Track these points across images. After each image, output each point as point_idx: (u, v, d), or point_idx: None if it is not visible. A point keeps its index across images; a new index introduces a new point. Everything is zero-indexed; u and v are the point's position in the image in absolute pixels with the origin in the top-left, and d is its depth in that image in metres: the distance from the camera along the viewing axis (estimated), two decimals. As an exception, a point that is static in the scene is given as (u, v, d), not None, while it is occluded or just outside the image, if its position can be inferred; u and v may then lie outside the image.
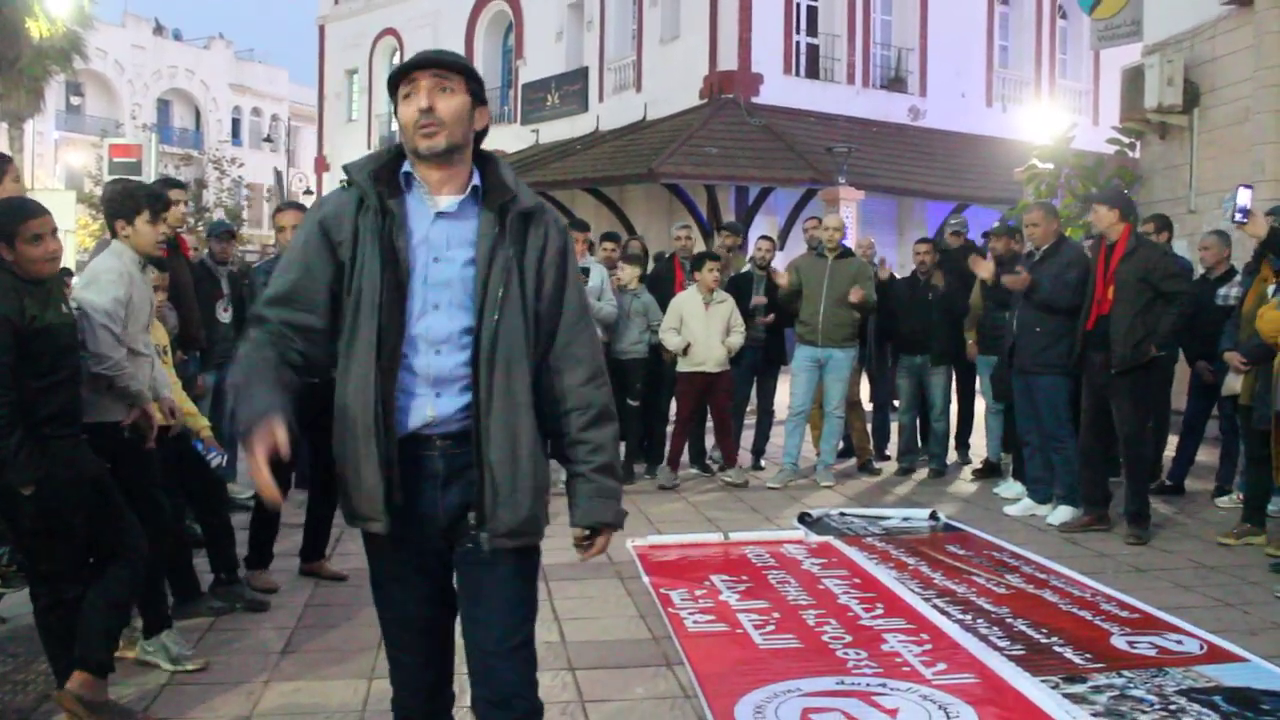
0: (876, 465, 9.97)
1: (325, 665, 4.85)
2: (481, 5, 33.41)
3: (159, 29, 52.76)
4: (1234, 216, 6.22)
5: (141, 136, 24.47)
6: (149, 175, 13.90)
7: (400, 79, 2.75)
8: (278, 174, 32.72)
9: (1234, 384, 7.05)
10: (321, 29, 39.30)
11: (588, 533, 2.86)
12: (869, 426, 10.35)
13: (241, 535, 5.99)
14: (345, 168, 2.80)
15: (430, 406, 2.74)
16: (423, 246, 2.74)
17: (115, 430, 4.67)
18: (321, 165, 38.89)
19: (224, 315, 8.15)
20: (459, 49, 33.66)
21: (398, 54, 36.80)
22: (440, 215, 2.76)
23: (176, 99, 52.78)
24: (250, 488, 8.20)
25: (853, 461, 10.11)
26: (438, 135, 2.69)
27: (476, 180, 2.79)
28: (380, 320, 2.68)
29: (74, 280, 5.66)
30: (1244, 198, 6.06)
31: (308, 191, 28.98)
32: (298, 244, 2.80)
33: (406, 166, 2.78)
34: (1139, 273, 7.02)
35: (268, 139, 49.05)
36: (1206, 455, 9.03)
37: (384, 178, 2.75)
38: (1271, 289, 6.36)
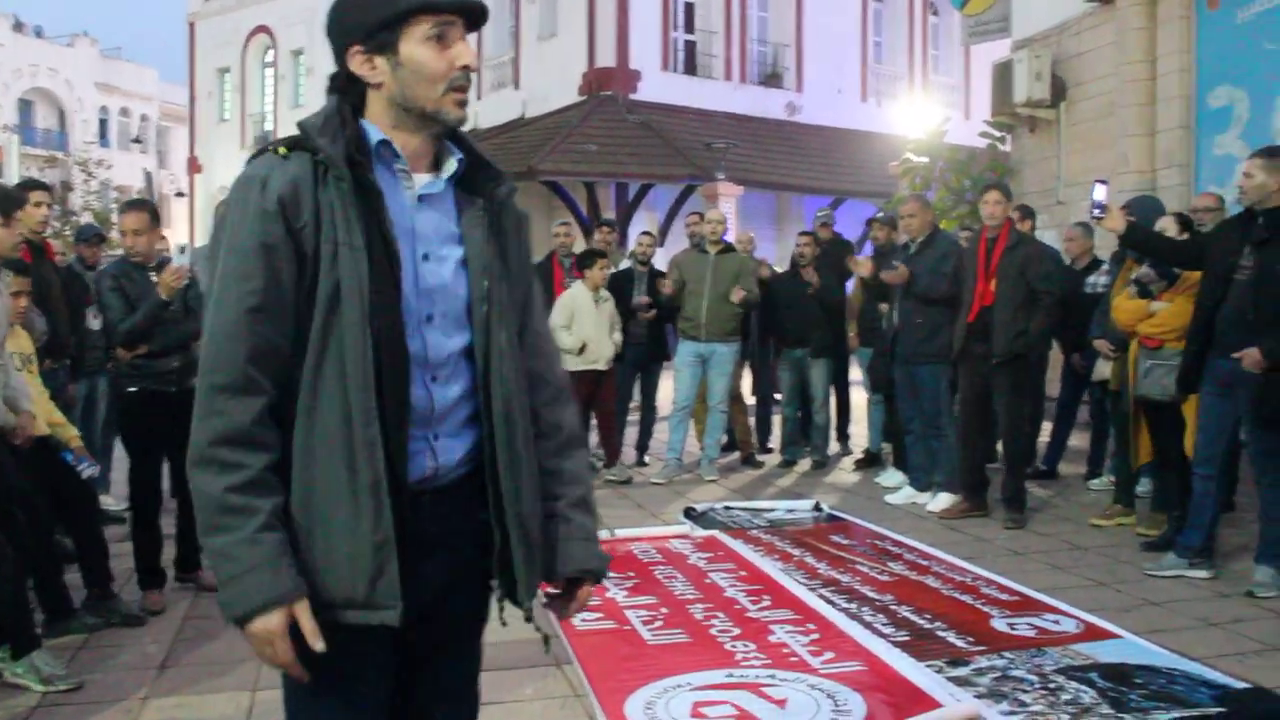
0: (759, 458, 10.05)
1: (206, 678, 4.73)
2: (357, 2, 32.92)
3: (18, 25, 50.88)
4: (1091, 212, 6.35)
5: (1, 137, 23.60)
6: (11, 178, 13.44)
7: (422, 11, 2.06)
8: (147, 175, 31.89)
9: (1104, 369, 7.25)
10: (192, 26, 38.44)
11: (563, 583, 2.34)
12: (751, 420, 10.44)
13: (115, 548, 5.81)
14: (302, 124, 2.07)
15: (429, 453, 2.13)
16: (406, 239, 2.11)
17: None
18: (194, 166, 38.02)
19: (94, 322, 7.85)
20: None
21: (272, 52, 36.16)
22: (422, 199, 2.16)
23: (39, 99, 50.98)
24: (122, 500, 7.96)
25: (736, 455, 10.17)
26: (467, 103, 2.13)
27: (459, 156, 2.20)
28: (375, 332, 2.02)
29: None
30: (1100, 193, 6.19)
31: (179, 194, 28.24)
32: (246, 238, 2.01)
33: (378, 132, 2.12)
34: (1019, 267, 7.18)
35: (137, 140, 47.78)
36: (1078, 440, 9.28)
37: (354, 143, 2.08)
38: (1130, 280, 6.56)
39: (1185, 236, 6.15)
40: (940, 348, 7.56)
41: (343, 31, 2.13)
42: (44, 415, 5.35)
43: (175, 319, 5.69)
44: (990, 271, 7.23)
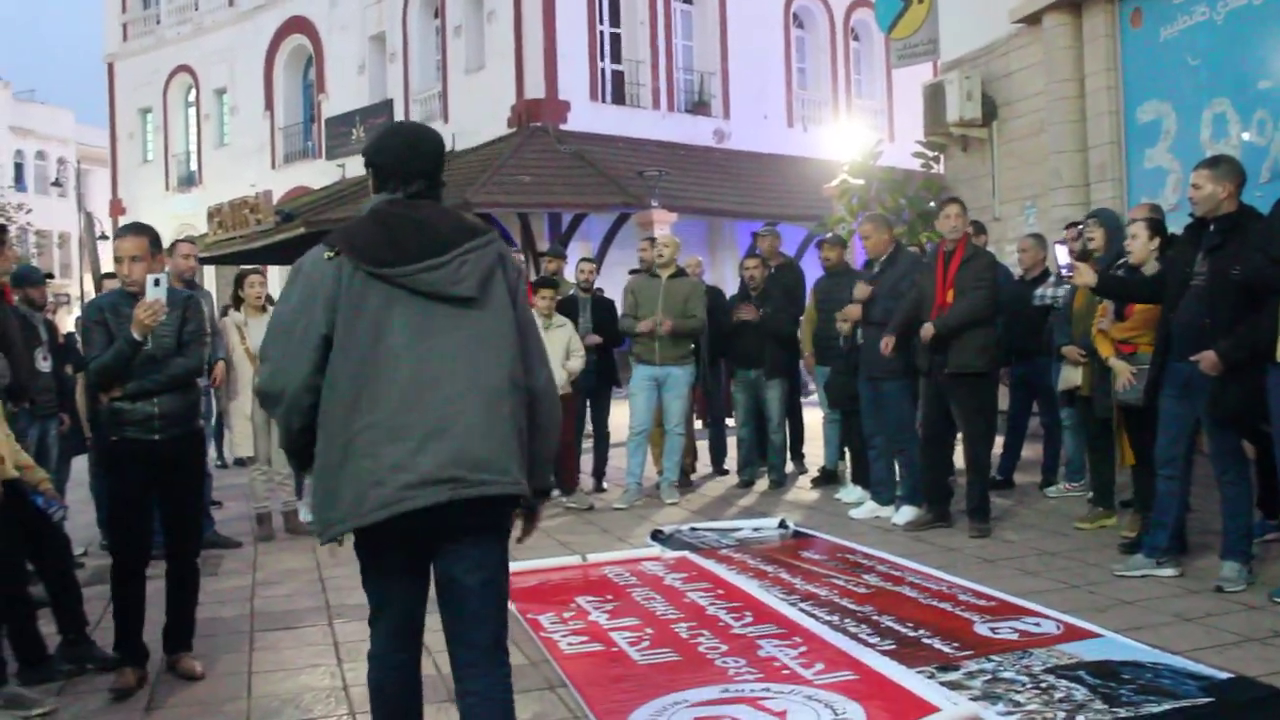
0: (694, 479, 10.23)
1: (194, 718, 4.66)
2: (280, 40, 32.80)
3: (-72, 72, 50.08)
4: (1060, 272, 6.62)
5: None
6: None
7: None
8: (88, 216, 31.34)
9: (1073, 377, 7.40)
10: (110, 67, 37.93)
11: None
12: (703, 443, 10.50)
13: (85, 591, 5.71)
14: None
15: None
16: None
17: None
18: (117, 209, 37.45)
19: (43, 364, 7.76)
20: (258, 85, 33.07)
21: (193, 91, 35.81)
22: None
23: (-48, 144, 50.11)
24: (84, 544, 7.84)
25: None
26: None
27: None
28: None
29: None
30: (1062, 255, 6.53)
31: (103, 237, 27.77)
32: None
33: None
34: (973, 277, 7.33)
35: (56, 183, 46.99)
36: (1028, 450, 9.45)
37: None
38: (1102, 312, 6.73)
39: (1157, 241, 6.30)
40: (904, 364, 7.67)
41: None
42: (11, 458, 5.27)
43: (155, 359, 5.01)
44: (948, 284, 7.36)
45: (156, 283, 4.96)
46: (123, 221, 36.60)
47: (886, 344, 7.56)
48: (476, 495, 3.04)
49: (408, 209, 3.22)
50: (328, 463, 3.09)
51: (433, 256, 3.10)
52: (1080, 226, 8.00)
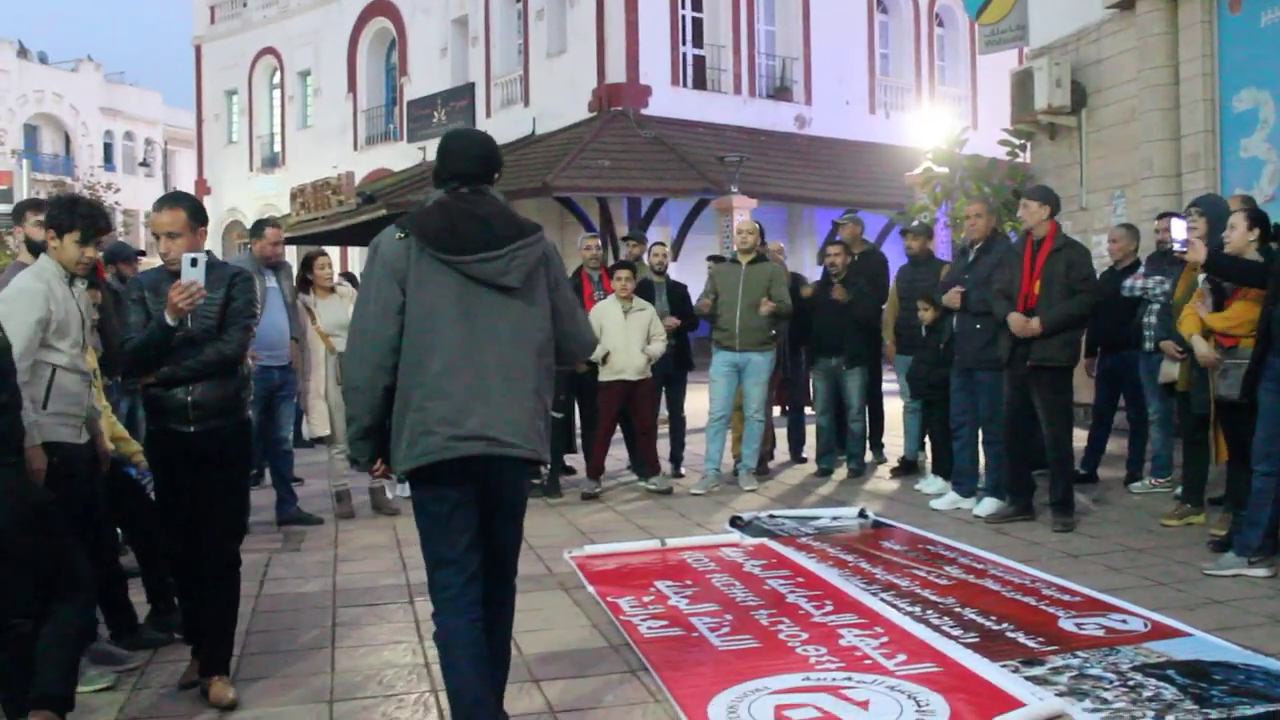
0: (771, 467, 10.18)
1: (278, 692, 4.72)
2: (363, 23, 33.12)
3: (23, 51, 51.07)
4: (1171, 245, 6.47)
5: (10, 163, 23.67)
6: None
7: None
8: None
9: (1171, 371, 7.25)
10: (198, 49, 38.60)
11: None
12: (782, 430, 10.45)
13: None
14: None
15: None
16: None
17: (64, 453, 4.51)
18: (202, 189, 38.13)
19: (136, 339, 7.90)
20: (341, 68, 33.43)
21: (278, 73, 36.30)
22: None
23: (45, 124, 51.12)
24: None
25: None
26: None
27: None
28: None
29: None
30: (1179, 230, 6.35)
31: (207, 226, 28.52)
32: None
33: None
34: (1064, 269, 7.20)
35: (144, 163, 47.90)
36: (1111, 444, 9.28)
37: None
38: (1201, 278, 6.56)
39: (1256, 232, 6.15)
40: (999, 353, 7.54)
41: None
42: (109, 431, 5.38)
43: (191, 343, 4.56)
44: (1035, 274, 7.24)
45: (194, 262, 4.45)
46: (208, 202, 37.27)
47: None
48: (503, 454, 3.64)
49: (469, 204, 3.72)
50: (396, 413, 3.66)
51: (489, 249, 3.63)
52: (1170, 217, 7.85)
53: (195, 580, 4.77)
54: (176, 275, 4.51)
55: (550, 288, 3.81)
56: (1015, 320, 7.25)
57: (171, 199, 4.73)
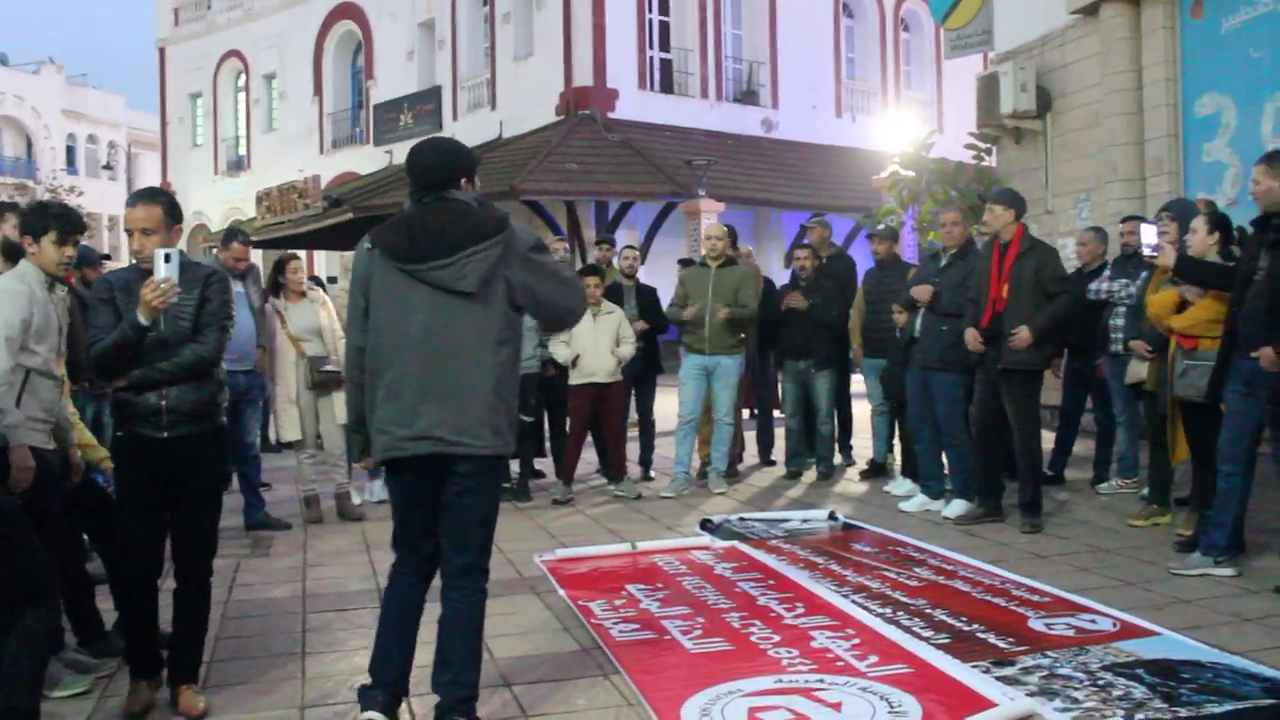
0: (740, 469, 10.20)
1: (249, 699, 4.68)
2: (329, 26, 32.99)
3: (-16, 54, 50.71)
4: (1141, 249, 6.56)
5: (-29, 166, 23.35)
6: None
7: None
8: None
9: (1139, 371, 7.32)
10: (162, 52, 38.34)
11: None
12: (751, 433, 10.46)
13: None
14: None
15: None
16: None
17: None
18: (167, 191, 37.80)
19: (99, 343, 7.83)
20: (306, 71, 33.27)
21: (243, 76, 36.09)
22: None
23: (6, 126, 50.63)
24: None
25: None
26: None
27: None
28: None
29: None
30: (1148, 234, 6.46)
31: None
32: None
33: None
34: (1033, 271, 7.25)
35: (107, 166, 47.52)
36: (1080, 446, 9.35)
37: None
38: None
39: (1216, 236, 6.22)
40: (962, 356, 7.59)
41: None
42: (78, 438, 5.33)
43: (168, 344, 4.39)
44: (1003, 277, 7.28)
45: (167, 258, 4.25)
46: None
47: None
48: (452, 453, 3.91)
49: (430, 212, 3.97)
50: (366, 410, 4.08)
51: (443, 257, 3.87)
52: (1138, 221, 7.91)
53: (148, 596, 4.53)
54: (148, 274, 4.31)
55: (519, 270, 3.97)
56: (970, 337, 7.35)
57: (147, 194, 4.54)
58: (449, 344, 3.90)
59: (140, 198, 4.51)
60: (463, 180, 4.06)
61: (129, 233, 4.45)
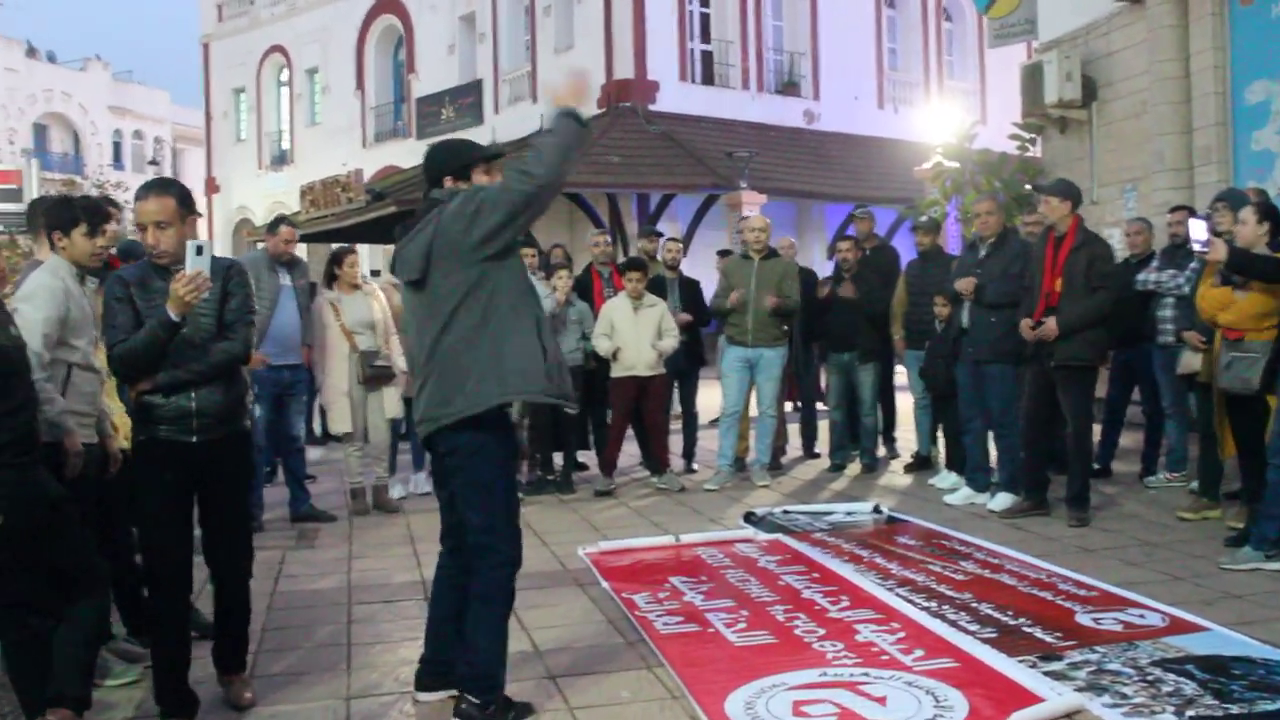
0: (784, 462, 10.15)
1: (295, 689, 4.71)
2: (371, 20, 33.12)
3: (32, 51, 51.13)
4: (1191, 245, 6.48)
5: (20, 162, 23.68)
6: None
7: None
8: None
9: (1193, 362, 7.21)
10: (206, 47, 38.61)
11: None
12: (794, 426, 10.43)
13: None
14: None
15: None
16: None
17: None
18: (211, 187, 38.18)
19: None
20: (349, 65, 33.42)
21: (286, 71, 36.31)
22: None
23: (54, 123, 51.19)
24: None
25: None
26: None
27: None
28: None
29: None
30: (1197, 229, 6.34)
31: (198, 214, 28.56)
32: None
33: None
34: (1085, 266, 7.16)
35: (153, 162, 47.87)
36: (1126, 439, 9.26)
37: None
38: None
39: (1266, 226, 6.13)
40: (1013, 347, 7.51)
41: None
42: (123, 429, 5.37)
43: (192, 344, 4.17)
44: (1057, 271, 7.20)
45: (199, 250, 3.98)
46: (217, 200, 37.23)
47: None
48: (436, 429, 4.15)
49: (424, 207, 4.23)
50: None
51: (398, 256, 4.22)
52: (1187, 213, 7.80)
53: (181, 604, 4.35)
54: (162, 269, 4.15)
55: (456, 225, 4.02)
56: (1024, 327, 7.27)
57: (159, 185, 4.29)
58: (426, 333, 4.14)
59: (151, 189, 4.26)
60: (449, 179, 4.24)
61: (141, 227, 4.21)
